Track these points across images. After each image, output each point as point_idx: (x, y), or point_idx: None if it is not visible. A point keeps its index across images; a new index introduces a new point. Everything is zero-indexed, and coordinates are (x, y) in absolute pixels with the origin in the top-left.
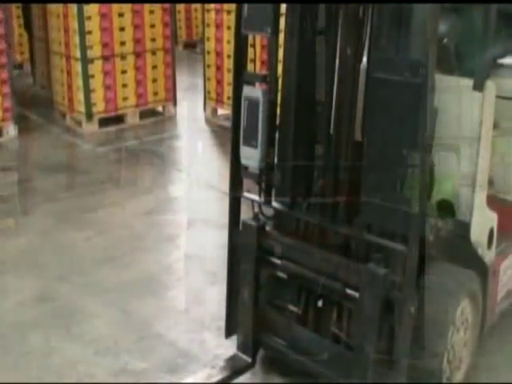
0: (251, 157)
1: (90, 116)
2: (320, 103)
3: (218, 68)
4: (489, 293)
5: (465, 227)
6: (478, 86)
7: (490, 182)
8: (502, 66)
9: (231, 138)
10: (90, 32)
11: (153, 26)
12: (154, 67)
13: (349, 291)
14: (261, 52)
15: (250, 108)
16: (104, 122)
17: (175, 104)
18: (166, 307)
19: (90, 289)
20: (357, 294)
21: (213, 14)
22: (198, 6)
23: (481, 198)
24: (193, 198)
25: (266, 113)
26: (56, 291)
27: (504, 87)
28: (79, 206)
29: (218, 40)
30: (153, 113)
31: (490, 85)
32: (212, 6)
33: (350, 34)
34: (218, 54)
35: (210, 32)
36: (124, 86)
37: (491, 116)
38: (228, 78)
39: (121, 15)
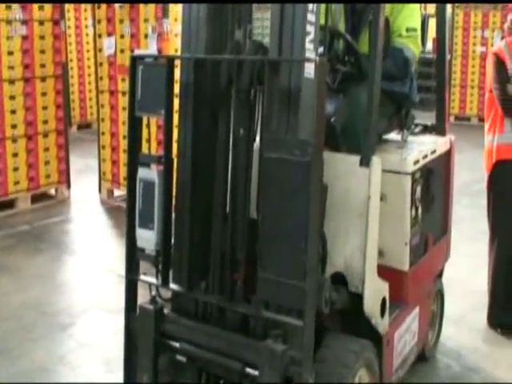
0: (148, 239)
1: None
2: (216, 183)
3: (114, 149)
4: (384, 361)
5: (358, 298)
6: (365, 162)
7: (380, 253)
8: (386, 141)
9: (127, 220)
10: None
11: (45, 107)
12: (47, 149)
13: (248, 370)
14: (157, 132)
15: (146, 190)
16: None
17: (69, 186)
18: None
19: None
20: (256, 372)
21: (107, 95)
22: (92, 87)
23: (372, 269)
24: (86, 284)
25: (162, 195)
26: None
27: (389, 161)
28: None
29: (113, 121)
30: (45, 196)
31: (376, 160)
32: (106, 87)
33: (242, 115)
34: (114, 135)
35: (105, 113)
36: (15, 169)
37: (378, 190)
38: (124, 158)
39: (12, 98)
